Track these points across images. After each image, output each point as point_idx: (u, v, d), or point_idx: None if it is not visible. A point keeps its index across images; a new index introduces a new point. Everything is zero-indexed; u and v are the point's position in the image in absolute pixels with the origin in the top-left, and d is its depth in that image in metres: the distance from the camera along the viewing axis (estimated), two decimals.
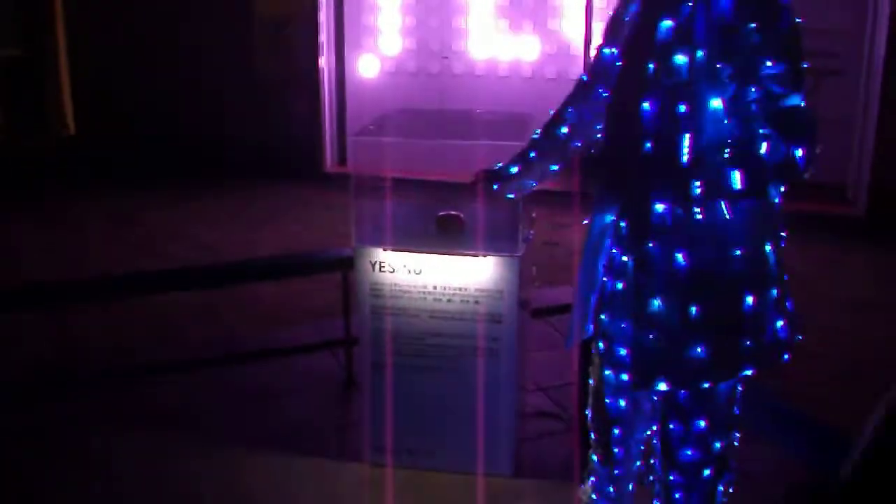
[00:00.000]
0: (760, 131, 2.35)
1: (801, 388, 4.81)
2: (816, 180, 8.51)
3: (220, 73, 9.51)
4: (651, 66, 2.46)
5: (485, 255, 3.60)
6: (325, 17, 9.14)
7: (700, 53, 2.38)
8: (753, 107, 2.36)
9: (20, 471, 3.96)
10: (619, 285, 2.67)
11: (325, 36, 9.16)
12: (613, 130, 2.68)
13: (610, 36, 2.76)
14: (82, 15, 10.25)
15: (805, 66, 2.41)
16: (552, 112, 3.11)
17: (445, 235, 3.77)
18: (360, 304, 3.78)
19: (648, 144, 2.47)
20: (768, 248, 2.51)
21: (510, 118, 4.14)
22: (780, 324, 2.55)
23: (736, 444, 2.73)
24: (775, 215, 2.55)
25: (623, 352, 2.72)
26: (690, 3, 2.40)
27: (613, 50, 2.68)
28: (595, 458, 3.10)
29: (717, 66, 2.36)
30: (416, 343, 3.75)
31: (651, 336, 2.54)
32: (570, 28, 8.46)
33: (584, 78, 2.96)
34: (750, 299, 2.47)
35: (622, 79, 2.62)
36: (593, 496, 3.16)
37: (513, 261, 3.60)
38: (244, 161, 9.37)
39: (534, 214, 3.87)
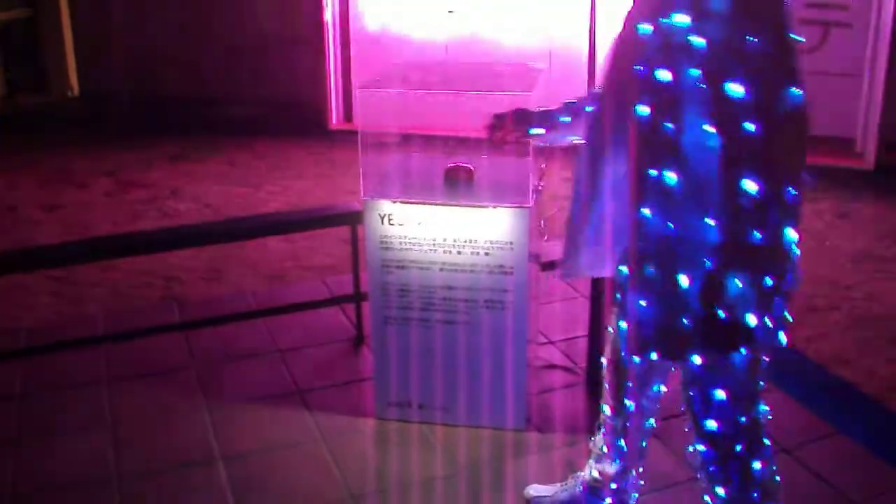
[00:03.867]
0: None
1: (812, 340, 4.80)
2: (825, 133, 8.46)
3: (224, 31, 9.45)
4: (648, 28, 2.37)
5: (494, 207, 3.57)
6: None
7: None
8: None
9: (28, 428, 3.96)
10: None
11: None
12: (611, 91, 2.59)
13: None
14: None
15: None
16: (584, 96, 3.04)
17: (454, 187, 3.75)
18: (369, 257, 3.75)
19: (644, 107, 2.39)
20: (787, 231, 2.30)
21: (518, 69, 4.10)
22: (766, 319, 2.36)
23: (768, 417, 2.62)
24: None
25: (630, 304, 2.63)
26: None
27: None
28: (606, 409, 3.06)
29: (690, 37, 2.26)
30: (426, 296, 3.73)
31: (644, 302, 2.48)
32: None
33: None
34: (739, 283, 2.28)
35: (624, 47, 2.51)
36: (604, 448, 3.13)
37: (523, 212, 3.57)
38: (249, 118, 9.34)
39: (543, 166, 3.83)
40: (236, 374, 4.37)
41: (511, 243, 3.60)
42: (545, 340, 4.54)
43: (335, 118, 9.35)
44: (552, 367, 4.35)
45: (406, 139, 4.18)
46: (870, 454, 3.68)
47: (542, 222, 3.95)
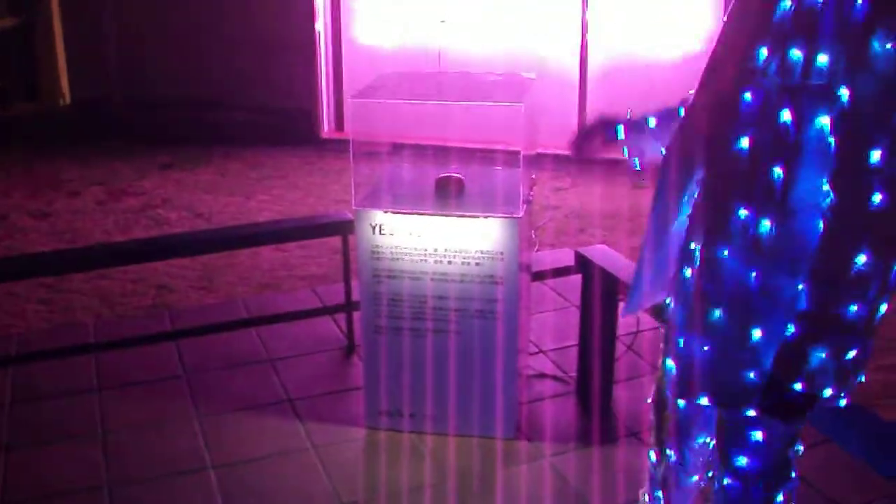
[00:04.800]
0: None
1: None
2: None
3: (216, 39, 9.45)
4: (764, 53, 2.13)
5: (485, 217, 3.58)
6: None
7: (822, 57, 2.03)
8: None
9: (18, 435, 3.95)
10: (688, 272, 2.39)
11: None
12: (708, 109, 2.32)
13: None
14: None
15: None
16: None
17: (445, 197, 3.76)
18: (360, 267, 3.76)
19: (745, 140, 2.17)
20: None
21: (509, 79, 4.12)
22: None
23: (800, 453, 2.48)
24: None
25: (682, 342, 2.43)
26: None
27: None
28: (652, 455, 2.89)
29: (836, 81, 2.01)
30: (417, 306, 3.74)
31: (705, 347, 2.32)
32: None
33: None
34: (823, 354, 2.10)
35: (725, 63, 2.28)
36: (645, 497, 3.00)
37: (513, 222, 3.58)
38: (240, 127, 9.34)
39: (534, 176, 3.85)
40: (227, 383, 4.37)
41: (502, 253, 3.60)
42: (536, 350, 4.55)
43: (326, 127, 9.37)
44: (543, 376, 4.36)
45: (397, 149, 4.20)
46: (860, 462, 3.69)
47: (533, 233, 3.96)
